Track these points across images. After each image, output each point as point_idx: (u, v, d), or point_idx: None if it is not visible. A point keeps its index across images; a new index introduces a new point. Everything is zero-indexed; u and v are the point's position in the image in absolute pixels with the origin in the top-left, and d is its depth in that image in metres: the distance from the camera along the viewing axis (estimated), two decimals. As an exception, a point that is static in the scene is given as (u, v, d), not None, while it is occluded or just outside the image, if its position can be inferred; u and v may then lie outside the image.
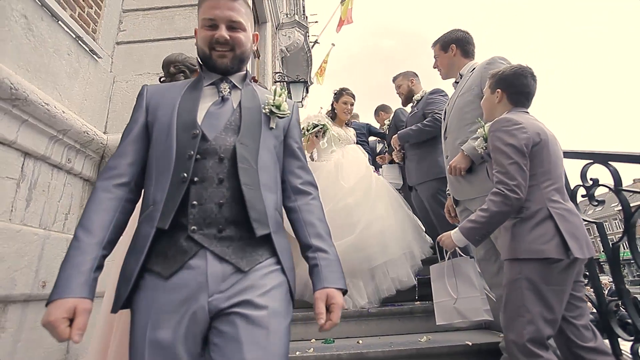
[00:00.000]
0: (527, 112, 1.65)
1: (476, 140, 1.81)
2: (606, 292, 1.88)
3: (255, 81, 1.23)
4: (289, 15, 8.21)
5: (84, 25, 2.37)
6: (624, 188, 1.68)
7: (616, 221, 36.69)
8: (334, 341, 2.16)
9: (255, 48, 1.21)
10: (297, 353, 1.86)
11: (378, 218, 2.60)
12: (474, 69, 2.08)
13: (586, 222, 1.63)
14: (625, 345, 1.61)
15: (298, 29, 7.97)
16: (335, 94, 3.27)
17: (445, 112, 2.22)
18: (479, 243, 1.56)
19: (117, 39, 2.68)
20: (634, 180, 33.43)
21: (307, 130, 2.87)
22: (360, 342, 2.11)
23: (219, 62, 1.05)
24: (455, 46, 2.21)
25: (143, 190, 1.00)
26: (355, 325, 2.29)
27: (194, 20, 2.64)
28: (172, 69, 1.80)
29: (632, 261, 1.79)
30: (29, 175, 1.76)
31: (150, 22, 2.72)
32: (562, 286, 1.39)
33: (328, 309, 0.93)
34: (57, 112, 1.83)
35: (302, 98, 7.58)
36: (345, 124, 3.27)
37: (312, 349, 1.94)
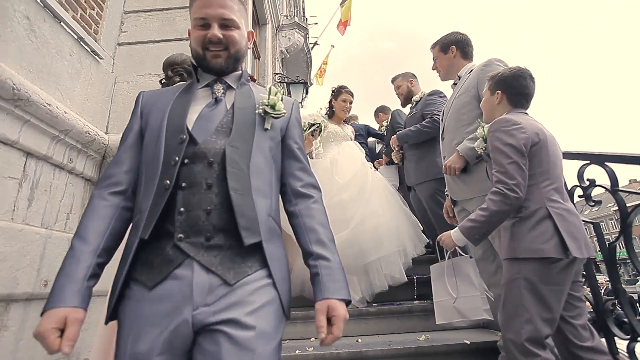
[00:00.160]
0: (526, 113, 1.67)
1: (472, 140, 1.83)
2: (602, 291, 1.90)
3: (254, 80, 1.18)
4: (289, 17, 8.24)
5: (86, 26, 2.39)
6: (620, 188, 1.69)
7: (612, 221, 36.79)
8: (333, 340, 2.17)
9: (251, 46, 1.15)
10: (297, 351, 1.87)
11: (373, 214, 2.60)
12: (471, 70, 2.11)
13: (583, 222, 1.64)
14: (622, 344, 1.62)
15: (298, 31, 8.00)
16: (333, 91, 3.25)
17: (443, 113, 2.25)
18: (478, 242, 1.58)
19: (119, 40, 2.70)
20: (629, 180, 33.61)
21: (304, 131, 2.88)
22: (360, 340, 2.12)
23: (213, 62, 1.02)
24: (455, 47, 2.24)
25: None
26: (354, 324, 2.30)
27: (195, 21, 2.65)
28: (170, 72, 1.82)
29: (628, 261, 1.80)
30: (31, 175, 1.77)
31: (151, 23, 2.74)
32: (561, 286, 1.40)
33: (330, 321, 0.88)
34: (59, 113, 1.84)
35: (302, 99, 7.61)
36: (344, 121, 3.25)
37: (311, 347, 1.95)
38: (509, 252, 1.48)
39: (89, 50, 2.31)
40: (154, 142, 0.95)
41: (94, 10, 2.50)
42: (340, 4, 9.68)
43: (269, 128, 1.01)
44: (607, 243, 1.75)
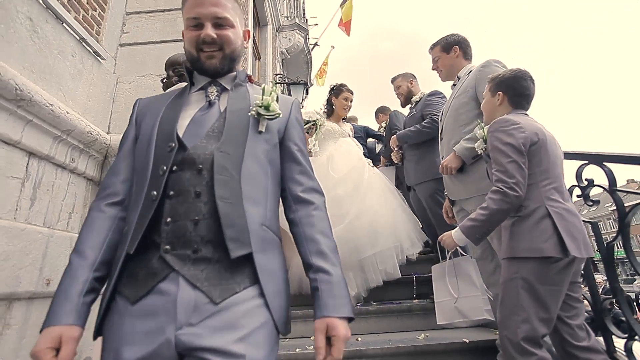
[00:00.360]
0: (527, 114, 1.69)
1: (469, 140, 1.85)
2: (600, 290, 1.90)
3: (251, 81, 1.11)
4: (289, 18, 8.28)
5: (88, 27, 2.40)
6: (618, 188, 1.70)
7: (610, 221, 36.92)
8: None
9: (248, 46, 1.12)
10: (297, 350, 1.89)
11: (369, 209, 2.60)
12: (470, 71, 2.13)
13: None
14: (619, 343, 1.63)
15: (298, 32, 8.04)
16: (334, 89, 3.23)
17: (442, 114, 2.27)
18: (479, 241, 1.59)
19: (121, 41, 2.71)
20: (627, 180, 33.74)
21: None
22: (359, 339, 2.14)
23: (208, 63, 0.97)
24: (458, 48, 2.27)
25: None
26: (354, 322, 2.29)
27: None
28: (171, 72, 1.83)
29: (625, 260, 1.82)
30: (34, 175, 1.79)
31: (153, 24, 2.76)
32: (559, 286, 1.41)
33: (329, 340, 0.81)
34: (61, 113, 1.85)
35: (302, 99, 7.63)
36: (342, 119, 3.24)
37: (311, 346, 1.96)
38: (508, 252, 1.49)
39: (91, 51, 2.33)
40: (144, 150, 0.92)
41: (96, 11, 2.52)
42: (340, 5, 9.70)
43: (263, 130, 0.95)
44: (605, 242, 1.76)
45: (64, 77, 2.05)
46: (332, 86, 3.28)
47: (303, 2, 11.21)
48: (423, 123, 2.88)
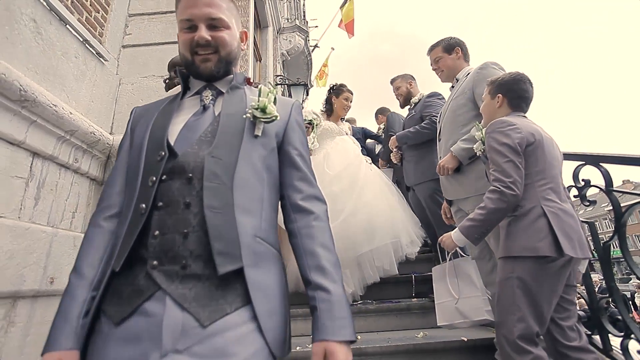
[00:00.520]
0: (525, 116, 1.71)
1: (466, 141, 1.88)
2: (597, 289, 1.93)
3: (250, 83, 1.06)
4: (289, 20, 8.33)
5: (91, 29, 2.43)
6: (614, 189, 1.73)
7: (606, 221, 37.09)
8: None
9: (245, 48, 1.05)
10: (298, 348, 1.90)
11: (365, 205, 2.58)
12: (468, 73, 2.16)
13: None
14: (616, 341, 1.65)
15: (299, 34, 8.09)
16: (334, 89, 3.23)
17: (440, 115, 2.30)
18: (478, 241, 1.60)
19: (123, 42, 2.74)
20: (623, 181, 33.94)
21: None
22: (359, 337, 2.15)
23: (202, 66, 0.93)
24: (459, 49, 2.31)
25: None
26: (354, 321, 2.32)
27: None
28: (172, 74, 1.85)
29: (621, 259, 1.84)
30: (38, 175, 1.80)
31: (155, 26, 2.78)
32: (553, 287, 1.43)
33: None
34: (64, 113, 1.87)
35: (303, 100, 7.67)
36: (341, 119, 3.25)
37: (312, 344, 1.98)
38: (504, 251, 1.50)
39: (94, 52, 2.35)
40: (136, 160, 0.87)
41: (99, 13, 2.54)
42: (340, 7, 9.74)
43: (259, 134, 0.89)
44: (601, 242, 1.78)
45: (68, 78, 2.07)
46: (332, 86, 3.28)
47: (303, 5, 11.26)
48: (423, 124, 2.90)
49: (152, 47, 2.72)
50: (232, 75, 1.00)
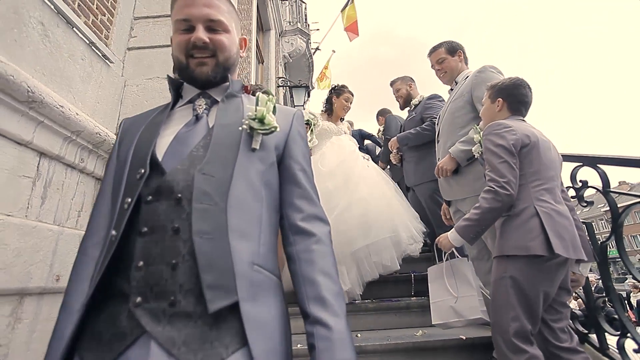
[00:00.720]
0: (523, 120, 1.75)
1: (464, 143, 1.91)
2: (593, 288, 1.94)
3: (248, 91, 0.97)
4: (291, 23, 8.40)
5: (97, 31, 2.47)
6: (611, 190, 1.75)
7: (602, 221, 37.22)
8: (333, 334, 2.22)
9: (244, 55, 0.98)
10: (299, 345, 1.92)
11: (360, 201, 2.54)
12: (467, 76, 2.20)
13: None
14: (612, 340, 1.67)
15: (300, 36, 8.15)
16: (335, 90, 3.23)
17: (439, 117, 2.34)
18: (474, 241, 1.63)
19: (128, 44, 2.78)
20: (619, 182, 34.07)
21: None
22: (359, 335, 2.17)
23: (198, 71, 0.85)
24: (461, 52, 2.35)
25: None
26: (353, 319, 2.35)
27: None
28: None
29: (618, 259, 1.86)
30: (44, 174, 1.84)
31: (159, 29, 2.82)
32: (546, 287, 1.44)
33: None
34: (71, 114, 1.91)
35: (304, 102, 7.72)
36: (341, 119, 3.25)
37: (312, 342, 2.00)
38: (498, 250, 1.53)
39: (100, 54, 2.39)
40: (119, 178, 0.78)
41: (105, 16, 2.59)
42: (342, 10, 9.80)
43: (257, 148, 0.79)
44: (598, 242, 1.80)
45: (74, 79, 2.11)
46: (333, 86, 3.30)
47: (305, 8, 11.31)
48: (423, 125, 2.94)
49: (156, 49, 2.76)
50: (228, 83, 0.90)
